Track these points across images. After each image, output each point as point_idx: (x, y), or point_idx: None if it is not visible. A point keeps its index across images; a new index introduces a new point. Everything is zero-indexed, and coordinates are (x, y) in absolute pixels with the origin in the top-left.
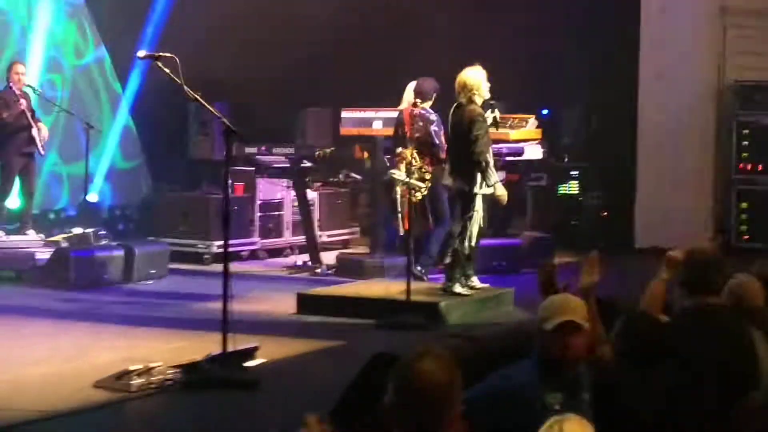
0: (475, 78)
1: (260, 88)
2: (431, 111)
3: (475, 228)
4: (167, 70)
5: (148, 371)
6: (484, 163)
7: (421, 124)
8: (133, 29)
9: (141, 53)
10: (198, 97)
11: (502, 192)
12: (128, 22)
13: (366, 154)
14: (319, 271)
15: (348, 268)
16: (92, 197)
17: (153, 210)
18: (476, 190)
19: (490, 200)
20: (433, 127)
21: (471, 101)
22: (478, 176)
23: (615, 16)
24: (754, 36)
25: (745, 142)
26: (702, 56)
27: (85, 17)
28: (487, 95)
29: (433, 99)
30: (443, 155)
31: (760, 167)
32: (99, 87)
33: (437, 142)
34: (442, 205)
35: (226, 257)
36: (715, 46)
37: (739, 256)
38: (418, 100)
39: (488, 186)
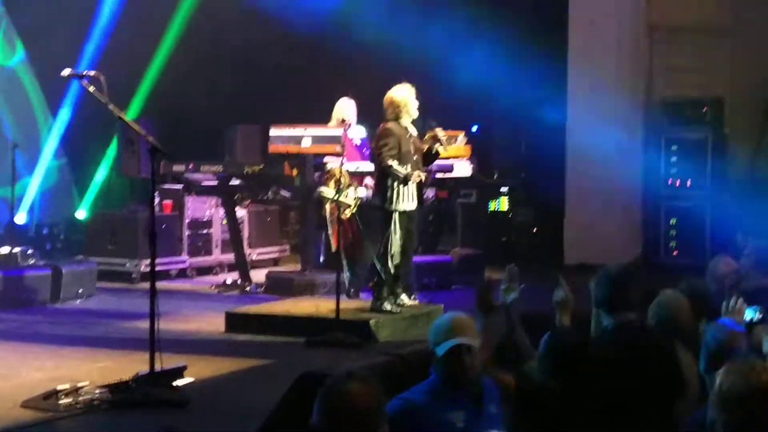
0: (402, 96)
1: (188, 104)
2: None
3: (395, 246)
4: (91, 89)
5: (75, 391)
6: (388, 167)
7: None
8: (58, 36)
9: (65, 72)
10: (122, 116)
11: (421, 176)
12: (53, 29)
13: (295, 172)
14: (248, 289)
15: (278, 286)
16: (20, 218)
17: (81, 229)
18: (392, 206)
19: (419, 217)
20: None
21: (397, 118)
22: (392, 193)
23: (543, 32)
24: (681, 52)
25: (674, 158)
26: (630, 73)
27: (8, 22)
28: (416, 114)
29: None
30: None
31: (688, 183)
32: (28, 90)
33: None
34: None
35: (152, 276)
36: (643, 63)
37: (667, 272)
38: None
39: (401, 175)
